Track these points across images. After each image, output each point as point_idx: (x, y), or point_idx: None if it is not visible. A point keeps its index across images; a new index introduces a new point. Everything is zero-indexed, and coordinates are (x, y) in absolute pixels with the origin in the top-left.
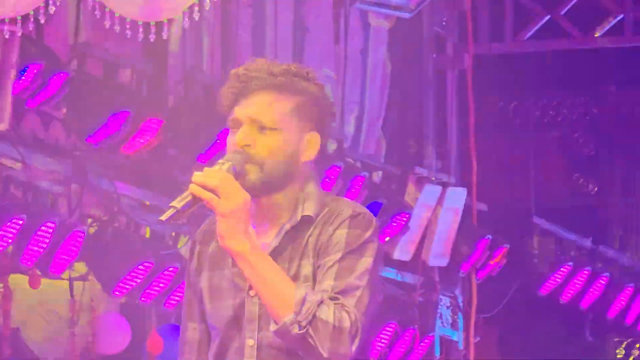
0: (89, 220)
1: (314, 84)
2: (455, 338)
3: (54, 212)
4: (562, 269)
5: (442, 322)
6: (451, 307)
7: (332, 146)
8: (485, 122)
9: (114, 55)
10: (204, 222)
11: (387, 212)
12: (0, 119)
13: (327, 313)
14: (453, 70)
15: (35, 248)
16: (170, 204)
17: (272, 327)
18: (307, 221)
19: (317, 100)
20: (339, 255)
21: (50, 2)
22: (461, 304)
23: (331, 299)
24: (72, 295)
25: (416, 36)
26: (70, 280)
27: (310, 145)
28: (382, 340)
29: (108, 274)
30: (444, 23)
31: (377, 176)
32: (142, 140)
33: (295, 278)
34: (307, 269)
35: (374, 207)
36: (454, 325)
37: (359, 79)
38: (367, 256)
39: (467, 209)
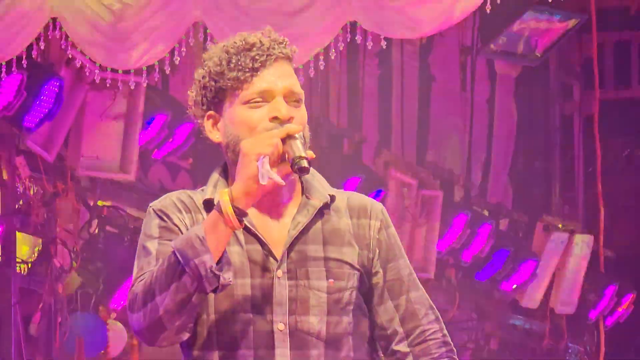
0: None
1: None
2: None
3: None
4: None
5: None
6: (579, 355)
7: (459, 194)
8: (612, 168)
9: None
10: (159, 198)
11: (514, 260)
12: (127, 170)
13: None
14: (580, 116)
15: None
16: (303, 155)
17: None
18: (330, 203)
19: None
20: (405, 261)
21: (176, 52)
22: (589, 352)
23: (444, 344)
24: None
25: (543, 83)
26: None
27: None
28: None
29: None
30: (570, 70)
31: (504, 224)
32: None
33: (338, 262)
34: (350, 256)
35: (501, 255)
36: None
37: (486, 127)
38: None
39: (594, 256)
